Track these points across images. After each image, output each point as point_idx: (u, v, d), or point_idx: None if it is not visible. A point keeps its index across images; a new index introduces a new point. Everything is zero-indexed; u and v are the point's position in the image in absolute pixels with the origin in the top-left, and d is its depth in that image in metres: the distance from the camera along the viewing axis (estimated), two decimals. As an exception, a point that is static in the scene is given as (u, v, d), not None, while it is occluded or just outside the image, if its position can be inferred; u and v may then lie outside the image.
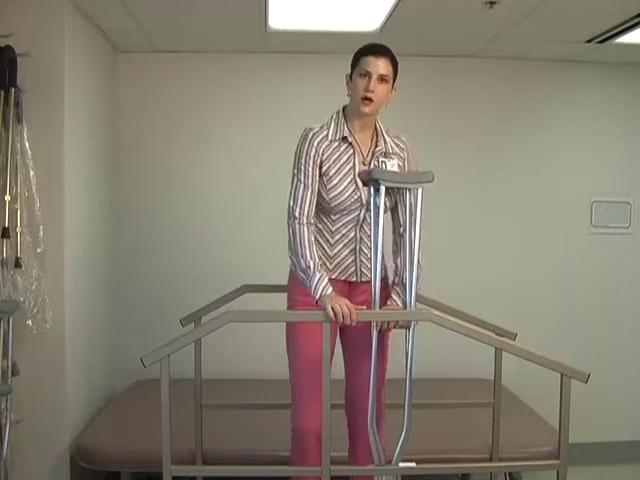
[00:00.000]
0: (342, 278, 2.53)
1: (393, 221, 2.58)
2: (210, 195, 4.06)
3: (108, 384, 3.85)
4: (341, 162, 2.48)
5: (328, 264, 2.51)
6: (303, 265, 2.37)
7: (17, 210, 2.89)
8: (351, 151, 2.49)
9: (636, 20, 3.20)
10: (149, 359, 2.18)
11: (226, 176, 4.06)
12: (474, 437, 3.09)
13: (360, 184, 2.47)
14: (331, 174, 2.46)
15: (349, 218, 2.50)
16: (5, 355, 2.82)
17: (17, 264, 2.88)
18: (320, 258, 2.46)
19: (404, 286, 2.50)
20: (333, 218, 2.50)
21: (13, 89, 2.86)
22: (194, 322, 2.84)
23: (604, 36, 3.51)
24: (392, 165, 2.51)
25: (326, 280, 2.35)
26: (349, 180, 2.47)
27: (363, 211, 2.50)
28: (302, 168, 2.44)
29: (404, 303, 2.50)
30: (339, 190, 2.46)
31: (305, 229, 2.41)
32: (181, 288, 3.97)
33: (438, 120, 4.10)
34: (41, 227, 2.95)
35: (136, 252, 4.04)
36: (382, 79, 2.42)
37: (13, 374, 2.85)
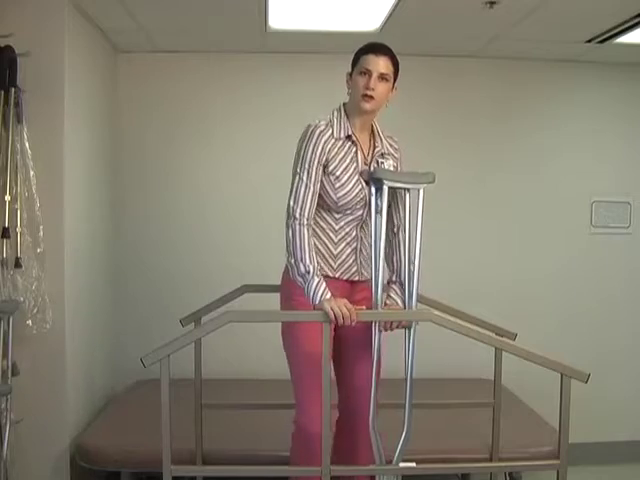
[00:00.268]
0: (345, 277, 2.53)
1: (387, 221, 2.57)
2: (210, 195, 4.05)
3: (108, 384, 3.85)
4: (347, 161, 2.47)
5: (332, 263, 2.50)
6: (302, 270, 2.35)
7: (17, 210, 2.89)
8: (354, 150, 2.49)
9: (636, 20, 3.20)
10: (149, 359, 2.18)
11: (226, 176, 4.06)
12: (474, 437, 3.08)
13: (365, 183, 2.48)
14: (338, 173, 2.44)
15: (353, 217, 2.50)
16: (5, 355, 2.81)
17: (17, 264, 2.88)
18: (324, 257, 2.47)
19: (402, 285, 2.51)
20: (337, 217, 2.49)
21: (13, 89, 2.86)
22: (194, 322, 2.84)
23: (604, 36, 3.51)
24: (388, 165, 2.53)
25: (324, 285, 2.33)
26: (356, 179, 2.47)
27: (366, 210, 2.50)
28: (306, 166, 2.41)
29: (403, 302, 2.50)
30: (347, 189, 2.45)
31: (305, 231, 2.38)
32: (181, 288, 3.97)
33: (438, 120, 4.10)
34: (41, 227, 2.95)
35: (136, 252, 4.04)
36: (382, 77, 2.42)
37: (13, 374, 2.85)
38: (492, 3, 3.02)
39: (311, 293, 2.32)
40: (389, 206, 2.51)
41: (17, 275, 2.89)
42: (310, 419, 2.41)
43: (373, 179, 2.45)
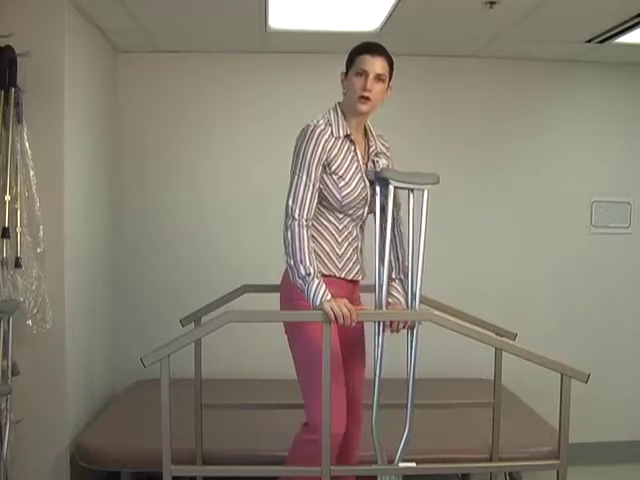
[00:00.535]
0: (349, 277, 2.52)
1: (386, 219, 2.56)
2: (210, 195, 4.06)
3: (108, 384, 3.85)
4: (348, 160, 2.46)
5: (338, 263, 2.48)
6: (303, 272, 2.32)
7: (17, 210, 2.89)
8: (353, 149, 2.49)
9: (636, 20, 3.20)
10: (149, 359, 2.18)
11: (226, 176, 4.06)
12: (474, 437, 3.09)
13: (367, 182, 2.48)
14: (341, 172, 2.43)
15: (354, 217, 2.50)
16: (5, 355, 2.81)
17: (17, 264, 2.88)
18: (330, 257, 2.46)
19: (402, 282, 2.51)
20: (339, 217, 2.49)
21: (13, 89, 2.86)
22: (194, 322, 2.84)
23: (604, 36, 3.51)
24: (383, 164, 2.54)
25: (324, 286, 2.32)
26: (358, 178, 2.47)
27: (366, 209, 2.51)
28: (307, 166, 2.38)
29: (406, 300, 2.50)
30: (351, 188, 2.45)
31: (304, 232, 2.36)
32: (181, 288, 3.97)
33: (437, 120, 4.11)
34: (41, 227, 2.95)
35: (136, 252, 4.04)
36: (379, 78, 2.41)
37: (13, 374, 2.85)
38: (492, 3, 3.03)
39: (311, 295, 2.30)
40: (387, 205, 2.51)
41: (17, 275, 2.89)
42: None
43: (378, 179, 2.45)
